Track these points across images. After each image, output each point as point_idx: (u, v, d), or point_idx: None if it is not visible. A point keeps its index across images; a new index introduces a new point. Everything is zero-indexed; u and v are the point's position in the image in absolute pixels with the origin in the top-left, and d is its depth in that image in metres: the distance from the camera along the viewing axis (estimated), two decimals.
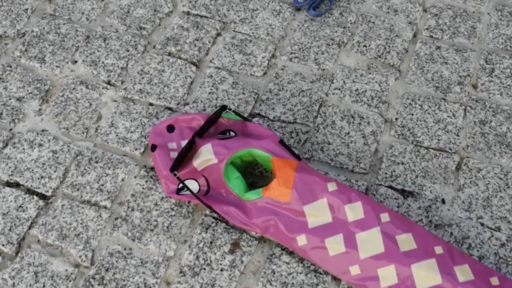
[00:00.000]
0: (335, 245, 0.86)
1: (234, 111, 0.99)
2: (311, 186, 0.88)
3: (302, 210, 0.88)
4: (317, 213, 0.87)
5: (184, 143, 0.99)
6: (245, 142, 0.93)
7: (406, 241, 0.84)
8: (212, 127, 0.99)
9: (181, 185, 0.95)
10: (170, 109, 1.09)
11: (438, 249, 0.84)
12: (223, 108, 0.98)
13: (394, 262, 0.83)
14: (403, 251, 0.83)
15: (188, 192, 0.94)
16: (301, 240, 0.87)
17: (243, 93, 1.11)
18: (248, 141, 0.93)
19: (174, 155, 0.97)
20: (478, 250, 0.94)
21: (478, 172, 1.02)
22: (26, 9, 1.23)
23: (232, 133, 0.99)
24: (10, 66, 1.14)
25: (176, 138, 0.99)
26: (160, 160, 0.97)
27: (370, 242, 0.84)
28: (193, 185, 0.94)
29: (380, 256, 0.83)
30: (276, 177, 0.90)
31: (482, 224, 0.97)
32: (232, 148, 0.93)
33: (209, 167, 0.93)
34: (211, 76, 1.13)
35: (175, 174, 0.92)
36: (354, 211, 0.86)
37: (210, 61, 1.16)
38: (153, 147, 0.98)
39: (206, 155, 0.93)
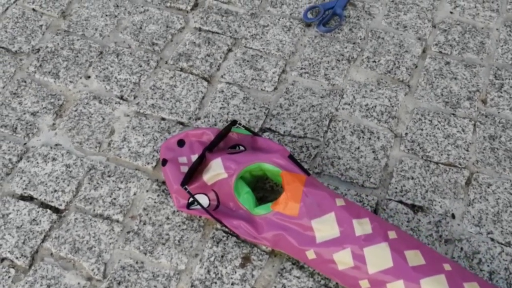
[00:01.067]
0: (343, 259, 0.86)
1: (244, 126, 1.00)
2: (320, 200, 0.89)
3: (310, 224, 0.88)
4: (325, 227, 0.87)
5: (194, 157, 0.99)
6: (255, 156, 0.94)
7: (414, 257, 0.84)
8: (222, 141, 1.00)
9: (191, 199, 0.95)
10: (182, 123, 1.10)
11: (447, 266, 0.84)
12: (233, 123, 0.99)
13: (403, 277, 0.83)
14: (411, 266, 0.83)
15: (198, 207, 0.95)
16: (310, 254, 0.88)
17: (254, 108, 1.12)
18: (257, 155, 0.94)
19: (184, 169, 0.98)
20: (488, 265, 0.94)
21: (488, 187, 1.02)
22: (41, 26, 1.25)
23: (241, 148, 0.99)
24: (25, 81, 1.16)
25: (187, 152, 1.00)
26: (170, 175, 0.97)
27: (379, 256, 0.84)
28: (203, 199, 0.95)
29: (388, 270, 0.83)
30: (284, 191, 0.90)
31: (492, 239, 0.96)
32: (242, 162, 0.93)
33: (219, 181, 0.94)
34: (222, 91, 1.15)
35: (185, 189, 0.93)
36: (362, 225, 0.86)
37: (222, 76, 1.17)
38: (164, 162, 0.99)
39: (216, 170, 0.94)
